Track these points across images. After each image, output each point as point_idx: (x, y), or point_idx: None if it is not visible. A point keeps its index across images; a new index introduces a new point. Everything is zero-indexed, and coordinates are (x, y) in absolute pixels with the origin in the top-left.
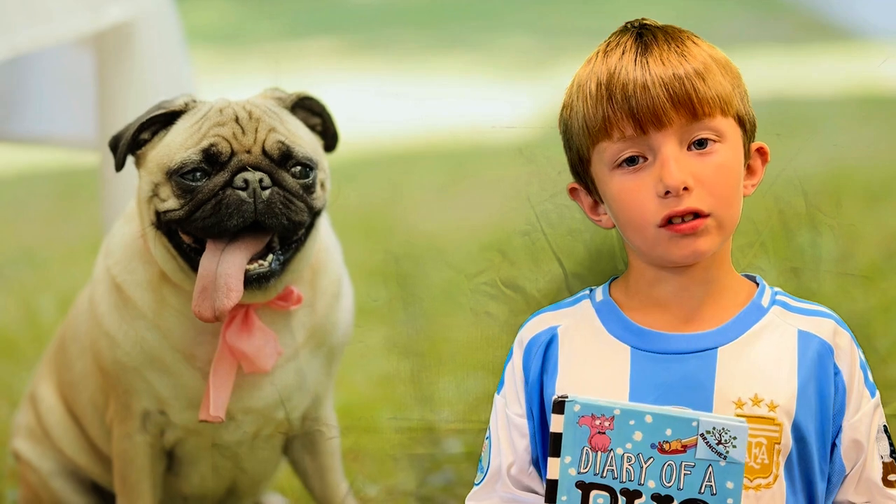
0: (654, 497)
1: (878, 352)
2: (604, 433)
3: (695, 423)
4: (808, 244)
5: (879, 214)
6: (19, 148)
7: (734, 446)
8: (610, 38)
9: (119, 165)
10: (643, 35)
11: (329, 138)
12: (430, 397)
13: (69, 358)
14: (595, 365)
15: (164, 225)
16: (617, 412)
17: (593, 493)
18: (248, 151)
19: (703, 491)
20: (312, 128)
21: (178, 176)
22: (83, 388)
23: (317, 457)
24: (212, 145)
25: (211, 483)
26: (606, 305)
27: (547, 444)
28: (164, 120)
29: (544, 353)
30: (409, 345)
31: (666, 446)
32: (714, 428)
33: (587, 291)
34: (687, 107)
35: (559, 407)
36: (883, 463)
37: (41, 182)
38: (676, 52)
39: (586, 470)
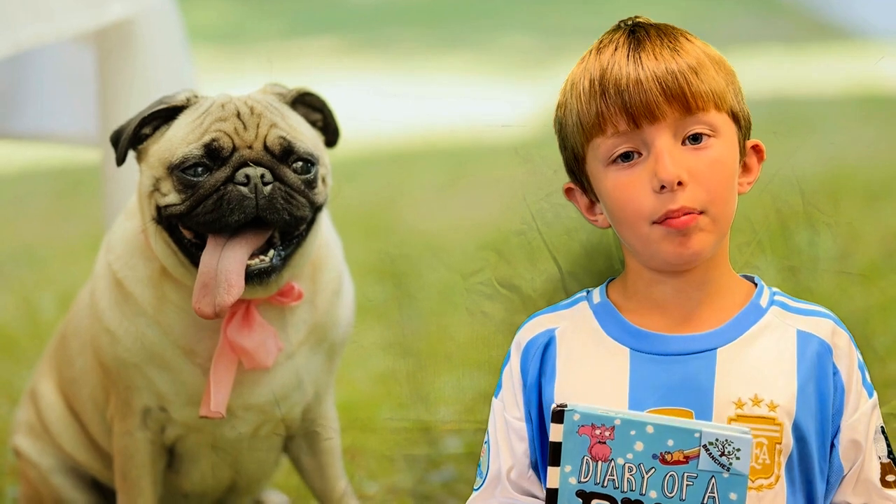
0: None
1: (876, 351)
2: (604, 443)
3: (697, 435)
4: (806, 243)
5: (878, 213)
6: (20, 145)
7: (738, 458)
8: (603, 36)
9: (120, 160)
10: (636, 32)
11: (330, 133)
12: (427, 397)
13: (70, 354)
14: (594, 367)
15: (165, 220)
16: (617, 422)
17: (594, 502)
18: (250, 147)
19: (706, 502)
20: (313, 123)
21: (180, 171)
22: (84, 385)
23: (317, 454)
24: (213, 140)
25: (211, 480)
26: (604, 307)
27: (546, 449)
28: (165, 115)
29: (542, 356)
30: (406, 344)
31: (668, 457)
32: (717, 439)
33: (584, 293)
34: (680, 100)
35: (558, 416)
36: (881, 463)
37: (41, 180)
38: (669, 47)
39: (587, 479)
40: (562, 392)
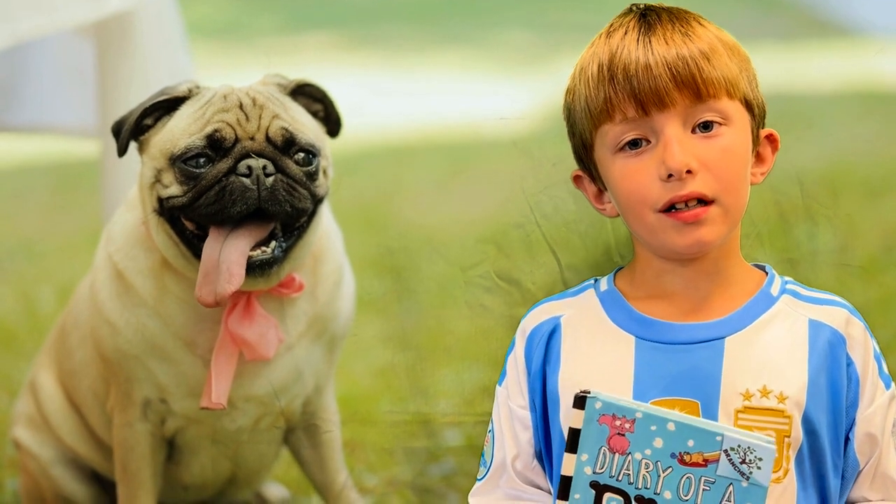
0: None
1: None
2: (623, 435)
3: (719, 438)
4: (805, 236)
5: (878, 209)
6: (19, 137)
7: (759, 468)
8: (613, 19)
9: (121, 151)
10: (647, 16)
11: (332, 124)
12: (426, 390)
13: (70, 346)
14: (599, 355)
15: (167, 211)
16: (639, 415)
17: (607, 495)
18: (252, 138)
19: None
20: (314, 114)
21: (182, 162)
22: (84, 377)
23: (317, 447)
24: (216, 131)
25: (211, 472)
26: (611, 295)
27: (549, 438)
28: (167, 106)
29: (547, 344)
30: (405, 337)
31: (686, 458)
32: (739, 445)
33: (591, 281)
34: (691, 87)
35: (580, 402)
36: None
37: (40, 174)
38: (681, 31)
39: (602, 470)
40: (566, 380)
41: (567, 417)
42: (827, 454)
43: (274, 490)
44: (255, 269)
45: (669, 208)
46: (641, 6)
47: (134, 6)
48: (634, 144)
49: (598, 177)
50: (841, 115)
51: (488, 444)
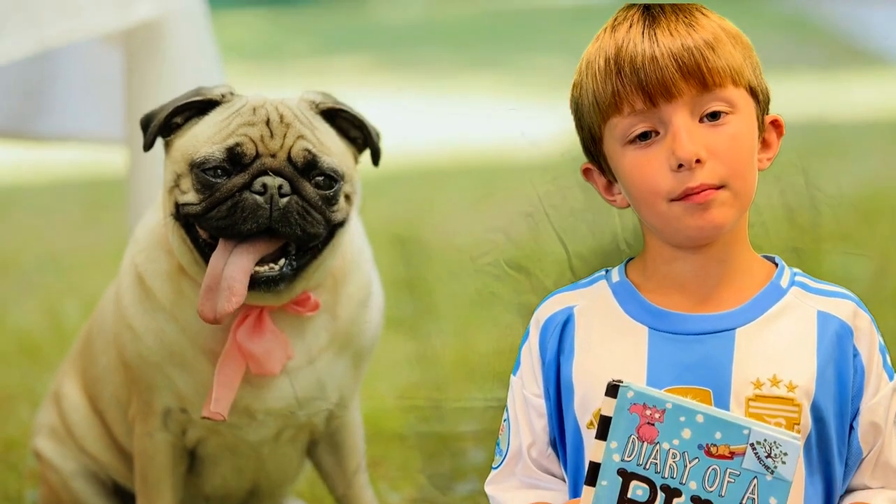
0: (694, 499)
1: (882, 333)
2: (653, 425)
3: (746, 432)
4: (809, 224)
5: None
6: (47, 148)
7: (783, 462)
8: (618, 13)
9: (148, 145)
10: (651, 8)
11: (372, 152)
12: (437, 376)
13: (95, 352)
14: (612, 345)
15: (182, 217)
16: (669, 406)
17: (633, 482)
18: (273, 156)
19: (745, 502)
20: (353, 140)
21: (200, 170)
22: (107, 383)
23: (341, 461)
24: (237, 144)
25: (233, 484)
26: (623, 286)
27: (563, 427)
28: (199, 107)
29: (561, 333)
30: (416, 326)
31: (713, 449)
32: (765, 440)
33: (603, 272)
34: (697, 77)
35: (613, 391)
36: None
37: (69, 190)
38: (685, 22)
39: (630, 458)
40: (580, 370)
41: (583, 406)
42: (833, 442)
43: None
44: (261, 284)
45: (681, 198)
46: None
47: (163, 14)
48: (644, 137)
49: (607, 169)
50: (875, 142)
51: (503, 433)
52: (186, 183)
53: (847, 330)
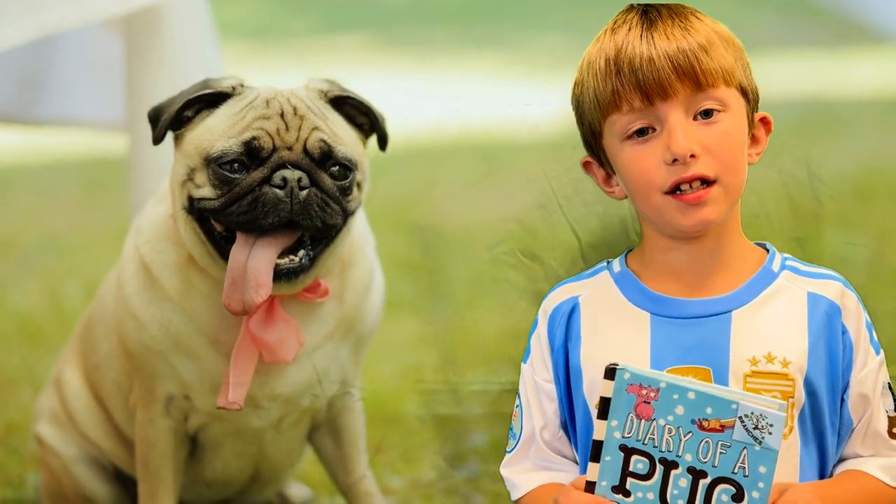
0: (690, 470)
1: (877, 317)
2: (649, 403)
3: (734, 406)
4: (812, 215)
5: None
6: (47, 131)
7: (770, 433)
8: (617, 16)
9: (158, 139)
10: (648, 12)
11: (379, 137)
12: (454, 360)
13: (95, 339)
14: (617, 331)
15: (197, 211)
16: (663, 385)
17: (634, 457)
18: (290, 148)
19: (736, 471)
20: (360, 126)
21: (217, 165)
22: (108, 370)
23: (341, 446)
24: (254, 138)
25: (234, 469)
26: (624, 276)
27: (573, 410)
28: (209, 100)
29: (568, 322)
30: (433, 312)
31: (705, 423)
32: (752, 413)
33: (604, 263)
34: (691, 78)
35: (610, 373)
36: (888, 417)
37: (69, 170)
38: (680, 26)
39: (630, 435)
40: (587, 356)
41: (591, 390)
42: (825, 413)
43: (297, 490)
44: (282, 276)
45: (674, 190)
46: (642, 3)
47: (162, 0)
48: (641, 133)
49: (606, 162)
50: (874, 120)
51: (516, 418)
52: (201, 177)
53: (835, 309)
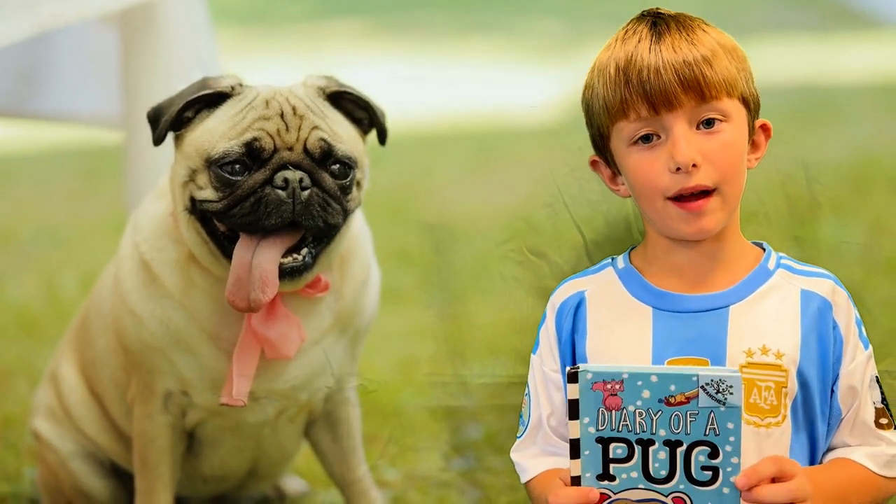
0: (666, 442)
1: (871, 313)
2: (616, 395)
3: (695, 378)
4: (809, 215)
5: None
6: (43, 125)
7: (731, 393)
8: (627, 25)
9: (158, 140)
10: (657, 24)
11: (378, 132)
12: (462, 353)
13: (92, 335)
14: (621, 325)
15: (200, 213)
16: (625, 376)
17: (612, 445)
18: (290, 149)
19: (707, 433)
20: (359, 122)
21: (218, 167)
22: (105, 366)
23: (337, 440)
24: (255, 139)
25: (232, 464)
26: (628, 272)
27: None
28: (208, 100)
29: (574, 315)
30: (443, 307)
31: (672, 400)
32: (712, 380)
33: (609, 260)
34: (696, 90)
35: (573, 377)
36: (875, 408)
37: (64, 160)
38: (686, 39)
39: (604, 427)
40: (593, 347)
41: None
42: (816, 403)
43: (293, 483)
44: (286, 275)
45: (677, 197)
46: (652, 13)
47: None
48: (647, 139)
49: (613, 163)
50: (870, 106)
51: (525, 406)
52: (203, 179)
53: (827, 305)
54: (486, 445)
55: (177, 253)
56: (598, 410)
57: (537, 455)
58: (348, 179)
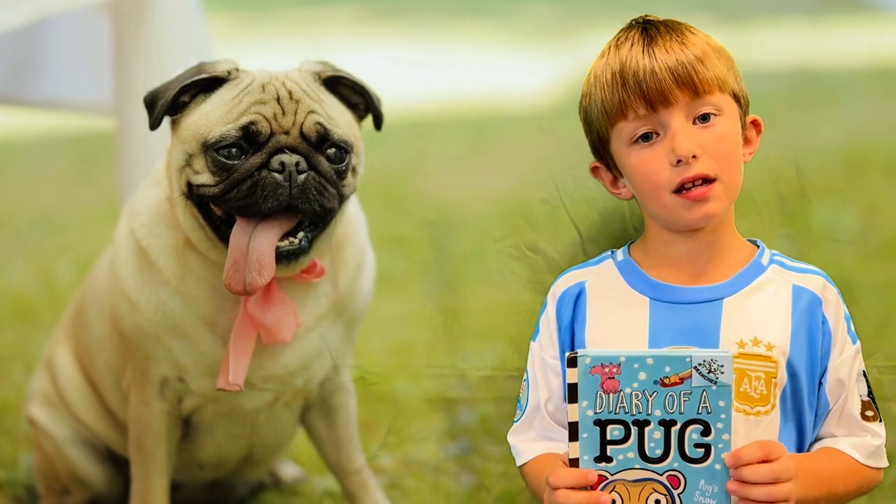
0: (661, 422)
1: (861, 309)
2: (613, 378)
3: (688, 359)
4: (800, 213)
5: None
6: (36, 112)
7: (722, 373)
8: (619, 34)
9: (155, 125)
10: (647, 29)
11: (374, 117)
12: (458, 343)
13: (87, 321)
14: (619, 314)
15: (196, 197)
16: (622, 359)
17: (609, 427)
18: (287, 133)
19: (700, 411)
20: (354, 106)
21: (215, 151)
22: (100, 352)
23: (333, 426)
24: (251, 123)
25: (227, 450)
26: (627, 264)
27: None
28: (204, 85)
29: (574, 304)
30: (441, 301)
31: (666, 381)
32: (704, 360)
33: (609, 253)
34: (690, 86)
35: (572, 362)
36: (861, 401)
37: (59, 146)
38: (678, 41)
39: (601, 410)
40: (592, 335)
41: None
42: (804, 394)
43: (288, 469)
44: (283, 258)
45: (680, 189)
46: (641, 20)
47: None
48: (646, 137)
49: (613, 166)
50: (863, 90)
51: (523, 392)
52: (199, 163)
53: (817, 300)
54: (481, 432)
55: (173, 239)
56: (596, 394)
57: (533, 439)
58: (344, 163)
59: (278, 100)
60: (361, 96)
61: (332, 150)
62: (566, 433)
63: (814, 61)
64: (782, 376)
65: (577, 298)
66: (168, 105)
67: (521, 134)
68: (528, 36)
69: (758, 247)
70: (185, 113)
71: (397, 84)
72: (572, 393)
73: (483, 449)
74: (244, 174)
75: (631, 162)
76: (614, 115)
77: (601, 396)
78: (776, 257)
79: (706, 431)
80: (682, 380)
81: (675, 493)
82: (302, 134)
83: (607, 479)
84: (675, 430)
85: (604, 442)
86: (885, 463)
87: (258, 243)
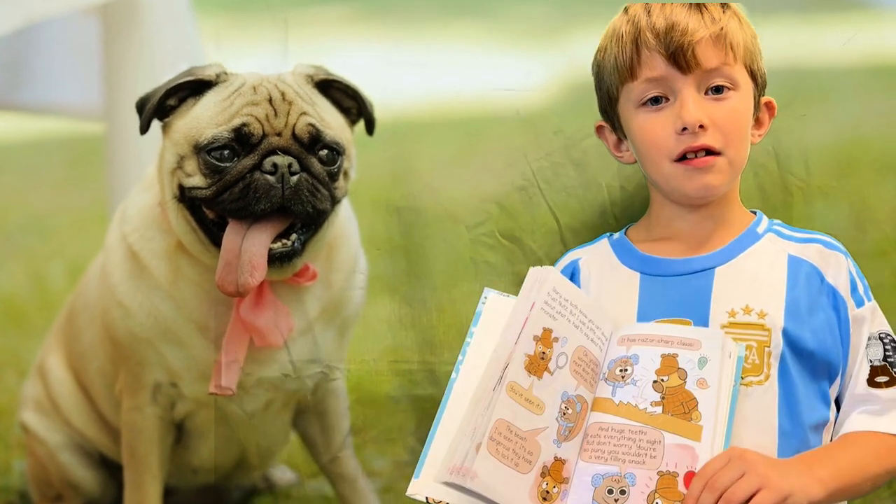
0: None
1: None
2: None
3: None
4: (781, 205)
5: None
6: (26, 116)
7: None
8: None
9: (143, 129)
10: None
11: (366, 121)
12: (431, 340)
13: (79, 327)
14: (610, 288)
15: (188, 199)
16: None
17: None
18: (279, 134)
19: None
20: (347, 110)
21: (206, 153)
22: (92, 358)
23: (326, 430)
24: (244, 125)
25: (221, 455)
26: (620, 242)
27: None
28: (192, 87)
29: (569, 279)
30: (411, 293)
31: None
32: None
33: (607, 235)
34: (713, 48)
35: None
36: (872, 367)
37: (50, 149)
38: (714, 6)
39: None
40: None
41: None
42: (814, 365)
43: (282, 473)
44: (275, 261)
45: (682, 157)
46: None
47: None
48: (655, 101)
49: (619, 127)
50: (856, 89)
51: None
52: (191, 165)
53: (815, 270)
54: None
55: (165, 243)
56: None
57: None
58: (336, 165)
59: (270, 101)
60: (354, 100)
61: (324, 152)
62: None
63: (805, 59)
64: (777, 344)
65: (571, 275)
66: (155, 108)
67: (512, 136)
68: (519, 36)
69: (756, 216)
70: (176, 116)
71: (388, 84)
72: None
73: None
74: (236, 176)
75: (636, 124)
76: (626, 74)
77: None
78: (774, 226)
79: None
80: None
81: None
82: (294, 135)
83: None
84: None
85: None
86: None
87: (251, 244)
